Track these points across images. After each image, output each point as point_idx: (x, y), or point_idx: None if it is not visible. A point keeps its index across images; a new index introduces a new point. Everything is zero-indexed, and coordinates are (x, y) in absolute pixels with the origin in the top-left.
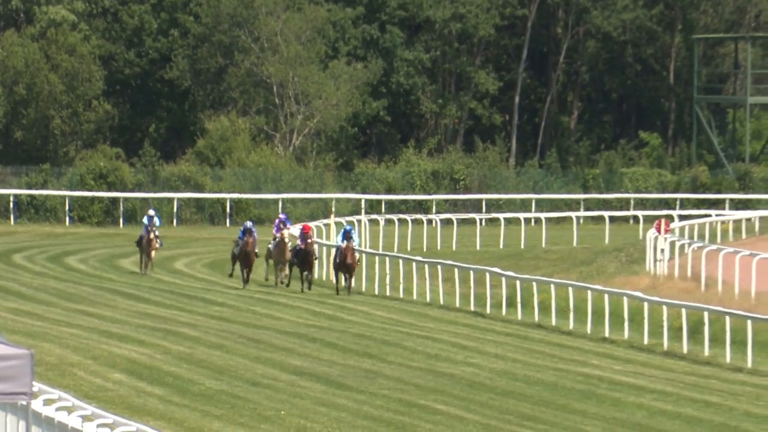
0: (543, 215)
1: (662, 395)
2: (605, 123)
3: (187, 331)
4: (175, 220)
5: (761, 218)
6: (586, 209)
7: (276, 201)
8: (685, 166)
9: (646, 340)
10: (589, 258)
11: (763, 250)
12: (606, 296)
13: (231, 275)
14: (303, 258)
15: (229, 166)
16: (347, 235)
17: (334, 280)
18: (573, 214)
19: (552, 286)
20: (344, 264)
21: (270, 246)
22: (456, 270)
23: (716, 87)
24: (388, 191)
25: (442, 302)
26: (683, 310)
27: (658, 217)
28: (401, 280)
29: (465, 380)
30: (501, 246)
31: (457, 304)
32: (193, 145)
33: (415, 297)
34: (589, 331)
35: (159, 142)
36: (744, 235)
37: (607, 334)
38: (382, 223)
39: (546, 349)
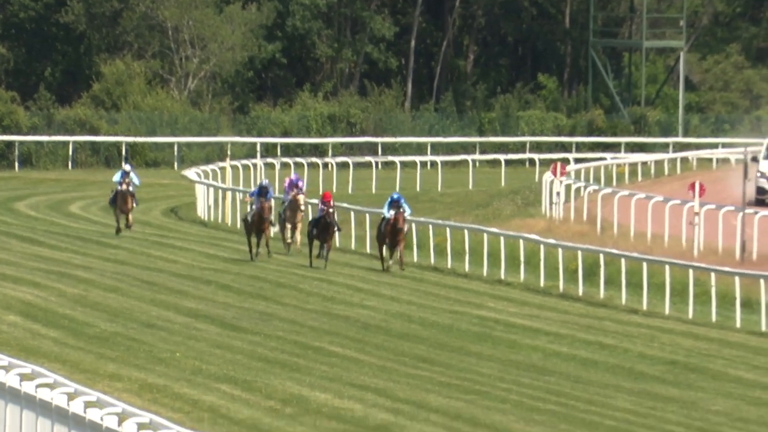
0: (439, 158)
1: (557, 337)
2: (501, 67)
3: (81, 274)
4: (70, 164)
5: (656, 161)
6: (482, 152)
7: (171, 144)
8: (581, 109)
9: (542, 283)
10: (485, 201)
11: (658, 193)
12: (502, 239)
13: (251, 254)
14: (323, 228)
15: (124, 109)
16: (396, 204)
17: (379, 255)
18: (469, 158)
19: (448, 229)
20: (394, 234)
21: (281, 211)
22: (352, 213)
23: (612, 31)
24: (284, 135)
25: (337, 245)
26: (579, 253)
27: (554, 161)
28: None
29: (360, 322)
30: (397, 189)
31: (353, 247)
32: (88, 88)
33: None
34: (485, 273)
35: (54, 86)
36: (639, 178)
37: (502, 277)
38: (278, 166)
39: (442, 291)
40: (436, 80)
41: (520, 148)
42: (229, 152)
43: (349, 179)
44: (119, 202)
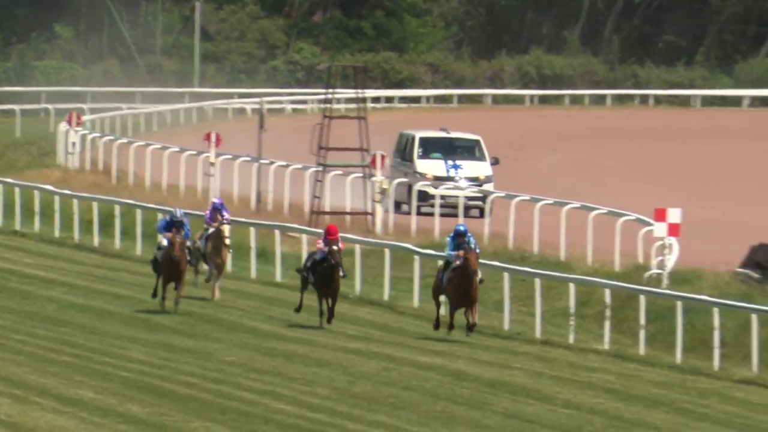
0: None
1: (73, 288)
2: (17, 16)
3: None
4: None
5: (172, 111)
6: None
7: None
8: (97, 59)
9: (57, 233)
10: (0, 151)
11: (174, 144)
12: (17, 189)
13: (155, 295)
14: (326, 276)
15: None
16: (462, 239)
17: (438, 311)
18: None
19: None
20: (465, 283)
21: (199, 241)
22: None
23: None
24: None
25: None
26: (95, 204)
27: (70, 111)
28: None
29: None
30: None
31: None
32: None
33: None
34: (0, 224)
35: None
36: (155, 128)
37: (18, 228)
38: None
39: None
40: None
41: (36, 98)
42: None
43: None
44: None
